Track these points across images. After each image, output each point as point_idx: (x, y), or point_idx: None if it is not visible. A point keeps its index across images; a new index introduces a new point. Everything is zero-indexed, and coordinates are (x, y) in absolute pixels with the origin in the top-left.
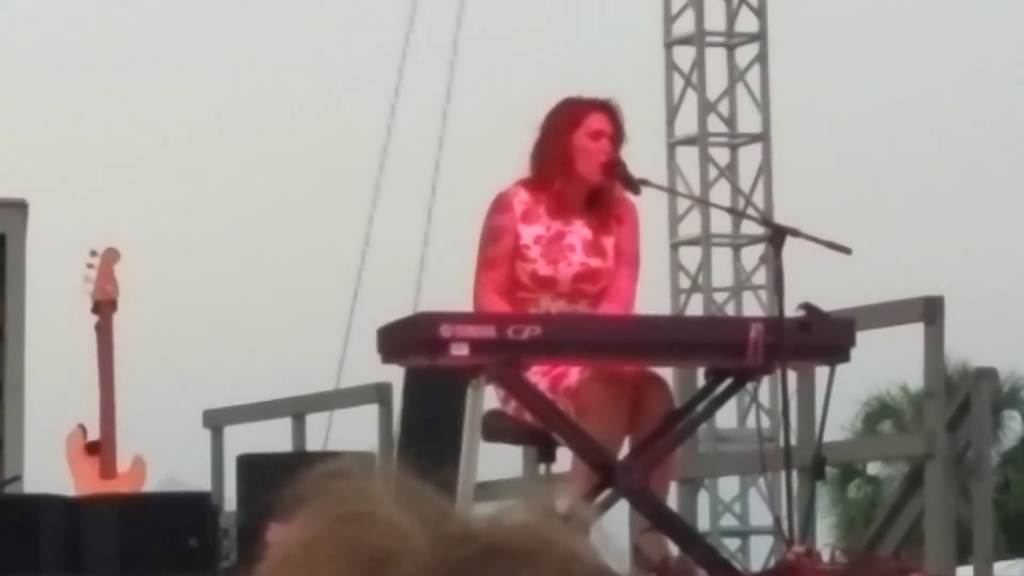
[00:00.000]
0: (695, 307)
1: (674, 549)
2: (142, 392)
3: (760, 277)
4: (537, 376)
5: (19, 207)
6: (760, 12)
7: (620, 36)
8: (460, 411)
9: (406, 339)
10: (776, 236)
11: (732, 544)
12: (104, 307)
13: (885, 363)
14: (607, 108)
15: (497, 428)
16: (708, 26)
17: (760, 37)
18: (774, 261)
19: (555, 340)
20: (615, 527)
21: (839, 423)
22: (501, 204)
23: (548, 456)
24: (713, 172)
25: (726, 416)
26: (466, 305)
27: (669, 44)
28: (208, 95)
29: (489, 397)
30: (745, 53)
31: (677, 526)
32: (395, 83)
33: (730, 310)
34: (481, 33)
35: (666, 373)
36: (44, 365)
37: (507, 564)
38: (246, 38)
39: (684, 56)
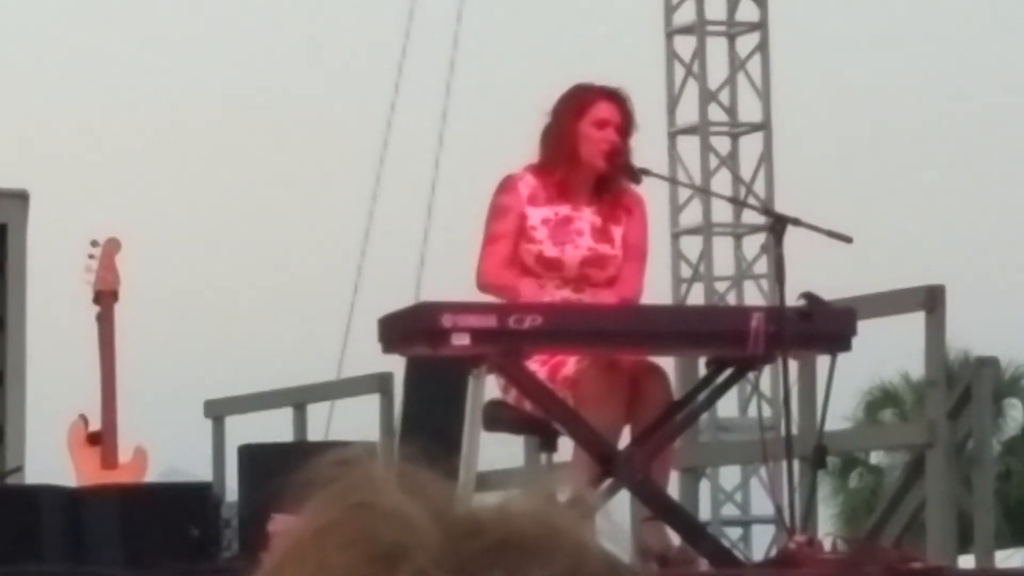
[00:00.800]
0: (696, 296)
1: (675, 538)
2: (143, 382)
3: (761, 266)
4: (535, 365)
5: (20, 197)
6: (761, 1)
7: (621, 25)
8: (461, 401)
9: (407, 329)
10: (777, 225)
11: (733, 533)
12: (105, 297)
13: (886, 352)
14: (615, 96)
15: (498, 418)
16: (709, 15)
17: (761, 26)
18: (775, 250)
19: (556, 329)
20: (616, 517)
21: (840, 412)
22: (506, 184)
23: (549, 446)
24: (714, 161)
25: (727, 405)
26: (467, 296)
27: (670, 33)
28: (209, 87)
29: (490, 387)
30: (746, 42)
31: (678, 515)
32: (395, 78)
33: (731, 299)
34: (481, 26)
35: (667, 363)
36: (45, 355)
37: (518, 557)
38: (248, 31)
39: (685, 45)
